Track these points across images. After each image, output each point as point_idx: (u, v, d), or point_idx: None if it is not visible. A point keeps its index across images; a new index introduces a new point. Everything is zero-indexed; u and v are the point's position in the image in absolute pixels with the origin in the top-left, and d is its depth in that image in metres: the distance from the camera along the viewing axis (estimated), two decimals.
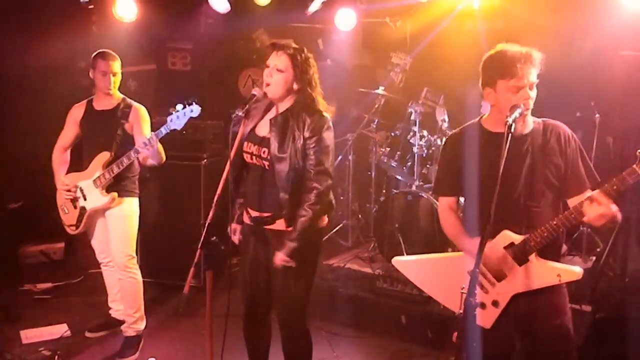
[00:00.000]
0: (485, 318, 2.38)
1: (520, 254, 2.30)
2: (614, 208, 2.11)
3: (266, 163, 2.71)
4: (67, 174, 3.71)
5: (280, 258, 2.66)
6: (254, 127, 2.79)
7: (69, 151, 3.77)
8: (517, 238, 2.30)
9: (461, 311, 2.04)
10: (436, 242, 4.48)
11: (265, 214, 2.75)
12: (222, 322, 2.53)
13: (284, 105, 2.74)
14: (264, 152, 2.71)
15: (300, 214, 2.65)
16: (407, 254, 4.45)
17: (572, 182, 2.32)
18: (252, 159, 2.77)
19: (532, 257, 2.29)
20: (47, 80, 4.89)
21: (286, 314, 2.84)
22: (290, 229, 2.68)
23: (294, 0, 5.42)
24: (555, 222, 2.24)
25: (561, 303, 2.40)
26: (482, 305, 2.37)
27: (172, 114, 3.29)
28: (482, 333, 2.34)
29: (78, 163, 3.72)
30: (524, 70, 2.23)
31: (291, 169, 2.64)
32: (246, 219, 2.85)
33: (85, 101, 3.72)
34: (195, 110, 3.22)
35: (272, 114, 2.77)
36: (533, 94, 2.28)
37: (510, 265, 2.32)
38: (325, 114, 2.71)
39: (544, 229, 2.25)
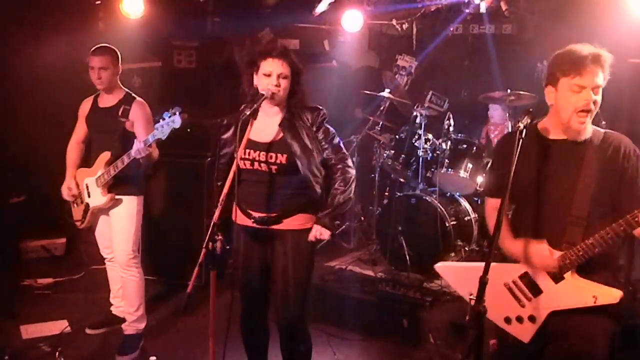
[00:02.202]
0: (522, 332, 2.32)
1: (555, 271, 2.22)
2: None
3: (274, 167, 2.72)
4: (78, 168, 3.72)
5: (316, 230, 2.74)
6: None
7: (83, 146, 3.77)
8: (554, 254, 2.21)
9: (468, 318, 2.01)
10: (439, 245, 4.47)
11: (273, 214, 2.76)
12: (224, 321, 2.51)
13: (279, 108, 2.77)
14: (271, 157, 2.71)
15: (333, 191, 2.76)
16: (410, 258, 4.45)
17: (629, 199, 2.15)
18: (252, 165, 2.74)
19: (568, 275, 2.20)
20: (53, 76, 4.88)
21: (286, 313, 2.83)
22: (308, 225, 2.77)
23: (301, 1, 5.41)
24: (590, 241, 2.12)
25: (605, 324, 2.23)
26: (519, 319, 2.31)
27: (159, 121, 3.17)
28: (519, 346, 2.31)
29: (86, 158, 3.73)
30: (590, 69, 2.10)
31: (319, 162, 2.75)
32: (241, 221, 2.81)
33: (92, 97, 3.73)
34: (176, 121, 3.06)
35: (269, 117, 2.76)
36: (598, 98, 2.15)
37: (546, 281, 2.25)
38: (319, 107, 2.82)
39: (579, 247, 2.15)
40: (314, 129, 2.76)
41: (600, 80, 2.13)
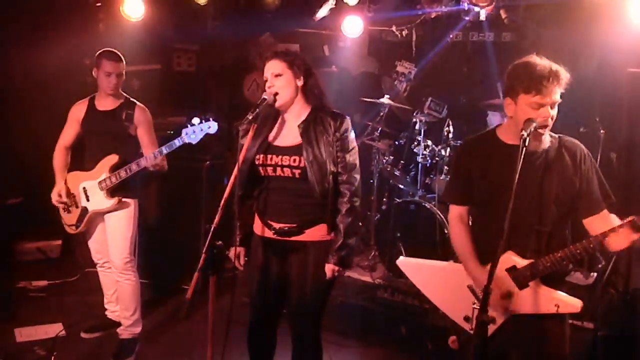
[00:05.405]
0: None
1: (521, 279, 2.28)
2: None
3: (297, 172, 2.60)
4: (69, 172, 3.66)
5: (331, 269, 2.61)
6: (267, 137, 2.69)
7: (70, 151, 3.72)
8: (521, 262, 2.27)
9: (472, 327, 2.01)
10: (438, 252, 4.46)
11: (293, 225, 2.66)
12: (222, 326, 2.49)
13: (300, 110, 2.69)
14: (294, 161, 2.60)
15: (340, 220, 2.62)
16: None
17: (587, 201, 2.28)
18: (275, 170, 2.65)
19: (533, 282, 2.28)
20: (52, 77, 4.86)
21: (301, 325, 2.76)
22: (329, 237, 2.65)
23: (301, 6, 5.42)
24: (559, 255, 2.21)
25: (562, 327, 2.36)
26: None
27: (187, 126, 3.22)
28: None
29: (78, 162, 3.68)
30: (550, 88, 2.15)
31: (329, 172, 2.60)
32: (261, 232, 2.75)
33: (87, 99, 3.65)
34: (213, 127, 3.17)
35: (292, 121, 2.69)
36: (554, 112, 2.22)
37: (511, 287, 2.30)
38: (343, 114, 2.69)
39: (548, 259, 2.23)
40: (334, 137, 2.62)
41: (557, 96, 2.20)
